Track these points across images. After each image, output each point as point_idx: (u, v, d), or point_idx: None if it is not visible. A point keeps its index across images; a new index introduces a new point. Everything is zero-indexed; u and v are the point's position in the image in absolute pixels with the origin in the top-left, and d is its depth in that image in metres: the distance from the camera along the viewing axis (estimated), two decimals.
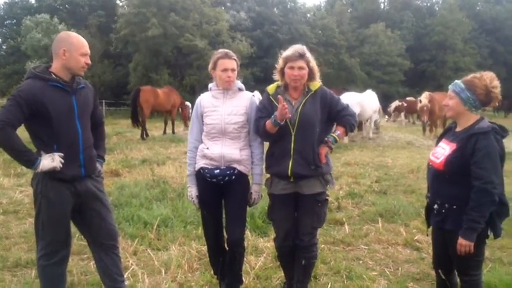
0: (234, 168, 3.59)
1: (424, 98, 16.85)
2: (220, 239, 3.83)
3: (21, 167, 9.31)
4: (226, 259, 3.74)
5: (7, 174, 8.72)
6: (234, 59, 3.59)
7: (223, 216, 3.81)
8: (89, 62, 3.19)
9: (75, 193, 3.20)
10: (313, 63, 3.46)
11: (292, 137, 3.41)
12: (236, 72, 3.60)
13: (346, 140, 14.95)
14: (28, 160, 3.01)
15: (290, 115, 3.33)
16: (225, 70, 3.52)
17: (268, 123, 3.40)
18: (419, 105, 17.11)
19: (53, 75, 3.09)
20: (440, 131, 17.63)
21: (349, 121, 3.54)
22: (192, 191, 3.76)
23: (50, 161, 3.02)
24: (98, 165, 3.41)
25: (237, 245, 3.69)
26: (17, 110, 2.92)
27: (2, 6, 52.49)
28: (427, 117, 17.03)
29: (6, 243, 5.03)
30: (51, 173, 3.05)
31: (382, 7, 62.93)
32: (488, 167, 2.86)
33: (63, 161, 3.07)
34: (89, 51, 3.19)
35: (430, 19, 56.45)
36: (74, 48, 3.09)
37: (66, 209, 3.20)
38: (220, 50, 3.67)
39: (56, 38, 3.20)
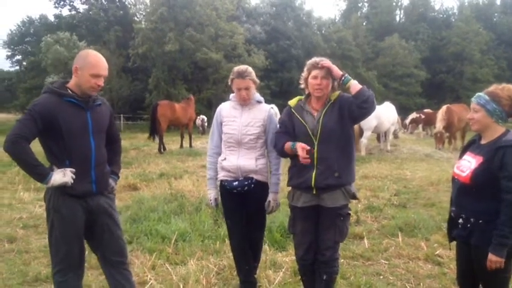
0: (252, 178, 3.76)
1: (440, 120, 16.63)
2: (245, 246, 3.96)
3: None
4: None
5: (27, 189, 8.83)
6: (248, 78, 3.70)
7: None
8: (101, 84, 3.13)
9: (87, 209, 3.19)
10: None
11: (316, 147, 3.38)
12: (252, 89, 3.74)
13: (363, 152, 14.86)
14: (40, 174, 2.99)
15: (309, 161, 3.31)
16: (239, 89, 3.70)
17: (288, 146, 3.42)
18: (434, 130, 16.90)
19: (69, 91, 3.10)
20: (459, 143, 17.53)
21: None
22: (211, 194, 3.99)
23: (62, 176, 3.02)
24: (111, 181, 3.40)
25: (256, 244, 4.05)
26: (32, 124, 2.92)
27: (22, 24, 53.99)
28: (440, 145, 16.87)
29: (26, 257, 5.06)
30: (62, 188, 3.05)
31: (398, 19, 62.93)
32: None
33: (74, 176, 3.06)
34: (103, 73, 3.13)
35: (446, 31, 56.23)
36: (86, 67, 3.07)
37: (79, 224, 3.18)
38: (236, 69, 3.78)
39: (77, 54, 3.22)
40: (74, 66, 3.10)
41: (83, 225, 3.22)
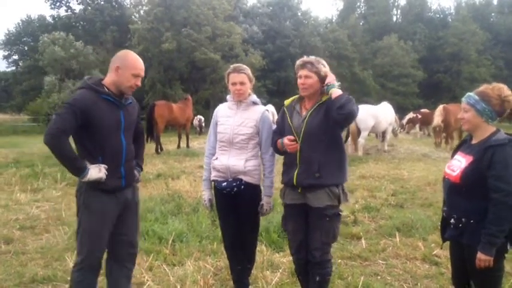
0: (241, 179, 3.74)
1: (438, 115, 16.68)
2: (238, 247, 3.95)
3: (37, 182, 9.44)
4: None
5: (24, 190, 8.79)
6: (244, 73, 3.73)
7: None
8: (139, 84, 3.26)
9: (116, 203, 3.27)
10: (325, 72, 3.44)
11: (298, 146, 3.42)
12: (247, 85, 3.76)
13: (360, 152, 14.87)
14: (78, 168, 3.06)
15: (297, 147, 3.38)
16: (234, 84, 3.72)
17: (278, 143, 3.52)
18: (432, 125, 16.96)
19: (106, 89, 3.18)
20: (456, 143, 17.54)
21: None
22: (206, 195, 4.00)
23: (97, 171, 3.09)
24: (135, 172, 3.49)
25: (249, 246, 3.98)
26: (72, 118, 2.98)
27: (21, 23, 53.85)
28: (439, 139, 16.90)
29: (23, 258, 5.05)
30: (94, 184, 3.12)
31: (395, 20, 63.03)
32: (508, 179, 2.77)
33: (107, 172, 3.13)
34: (142, 74, 3.27)
35: (443, 31, 56.32)
36: (128, 67, 3.18)
37: (109, 219, 3.25)
38: (232, 65, 3.84)
39: (115, 55, 3.31)
40: (114, 65, 3.20)
41: (113, 221, 3.29)
